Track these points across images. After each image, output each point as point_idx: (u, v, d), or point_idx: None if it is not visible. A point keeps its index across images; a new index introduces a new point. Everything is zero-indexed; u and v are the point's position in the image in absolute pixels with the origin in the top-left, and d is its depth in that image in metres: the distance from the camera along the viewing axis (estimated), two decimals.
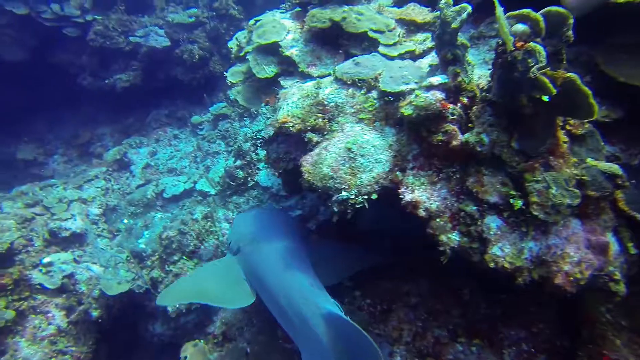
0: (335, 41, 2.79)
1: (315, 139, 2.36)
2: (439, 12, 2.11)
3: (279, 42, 2.89)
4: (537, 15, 1.70)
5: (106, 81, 7.61)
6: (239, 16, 7.33)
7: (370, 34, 2.63)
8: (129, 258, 4.85)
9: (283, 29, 2.99)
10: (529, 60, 1.65)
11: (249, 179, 5.13)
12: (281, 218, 3.46)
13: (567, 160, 1.87)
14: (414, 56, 2.68)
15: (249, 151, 5.23)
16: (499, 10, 1.72)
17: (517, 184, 1.92)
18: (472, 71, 2.23)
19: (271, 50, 2.95)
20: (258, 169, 5.21)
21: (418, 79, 2.28)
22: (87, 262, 5.09)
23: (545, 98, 1.70)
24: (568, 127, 1.98)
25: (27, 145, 8.18)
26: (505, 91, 1.82)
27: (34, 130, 8.67)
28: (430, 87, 2.05)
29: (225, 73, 3.50)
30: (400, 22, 2.84)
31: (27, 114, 8.69)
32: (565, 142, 1.90)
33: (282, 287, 2.50)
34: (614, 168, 1.79)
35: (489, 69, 2.56)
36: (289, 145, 2.78)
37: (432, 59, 2.60)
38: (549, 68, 1.66)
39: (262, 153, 5.28)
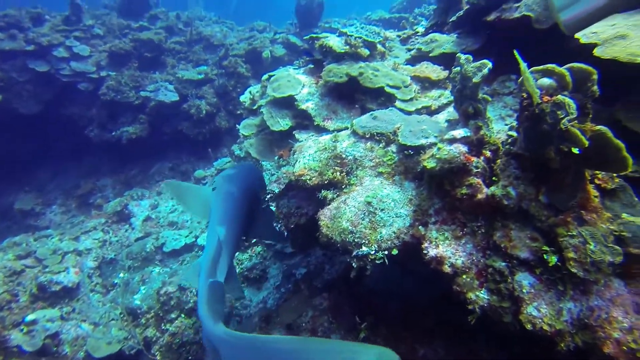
0: (351, 96, 2.82)
1: (330, 196, 2.29)
2: (458, 68, 2.15)
3: (295, 96, 2.92)
4: (563, 70, 1.71)
5: (113, 133, 7.72)
6: (246, 74, 7.61)
7: (387, 89, 2.67)
8: (122, 315, 4.56)
9: (298, 83, 3.04)
10: (559, 112, 1.63)
11: None
12: (253, 176, 3.73)
13: (601, 215, 1.79)
14: (430, 111, 2.70)
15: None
16: (523, 65, 1.73)
17: (548, 239, 1.83)
18: (491, 126, 2.23)
19: (286, 104, 2.98)
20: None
21: (438, 133, 2.27)
22: (76, 319, 4.79)
23: (576, 150, 1.66)
24: (597, 181, 1.93)
25: (27, 194, 8.09)
26: (532, 144, 1.79)
27: (37, 178, 8.65)
28: (452, 140, 2.02)
29: (237, 126, 3.51)
30: (415, 79, 2.90)
31: (32, 163, 8.72)
32: (595, 197, 1.84)
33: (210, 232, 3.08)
34: None
35: (506, 125, 2.59)
36: (301, 199, 2.70)
37: (448, 114, 2.62)
38: (578, 122, 1.64)
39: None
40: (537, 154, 1.79)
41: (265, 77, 3.65)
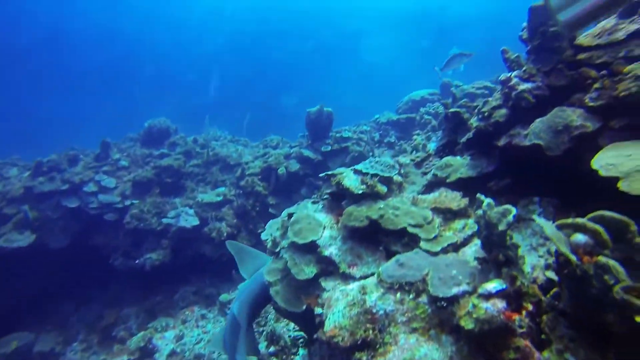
0: (373, 237, 2.78)
1: (365, 357, 2.12)
2: (480, 211, 2.11)
3: (317, 241, 2.89)
4: (597, 227, 1.64)
5: (137, 261, 7.78)
6: (264, 192, 7.83)
7: (410, 229, 2.62)
8: None
9: (319, 225, 3.04)
10: (606, 278, 1.52)
11: None
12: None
13: None
14: (456, 246, 2.61)
15: (283, 334, 4.87)
16: (549, 229, 1.68)
17: None
18: (525, 263, 2.11)
19: (308, 249, 2.94)
20: (293, 354, 4.76)
21: (469, 279, 2.15)
22: None
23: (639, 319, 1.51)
24: None
25: (48, 334, 7.93)
26: (583, 307, 1.65)
27: (60, 312, 8.56)
28: (488, 296, 1.89)
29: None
30: (436, 210, 2.87)
31: (57, 296, 8.71)
32: None
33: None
34: None
35: (540, 257, 2.46)
36: (334, 355, 2.52)
37: (475, 248, 2.52)
38: (630, 284, 1.51)
39: (294, 335, 4.93)
40: (592, 318, 1.64)
41: (284, 214, 3.69)
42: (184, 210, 7.86)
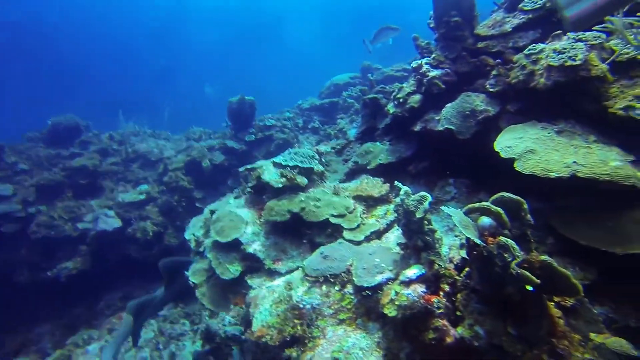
0: (297, 230, 2.75)
1: (295, 354, 2.10)
2: (399, 199, 2.16)
3: (239, 238, 2.79)
4: (499, 210, 1.75)
5: (48, 273, 7.03)
6: (189, 186, 7.45)
7: (332, 219, 2.63)
8: None
9: (241, 221, 2.94)
10: (505, 255, 1.63)
11: None
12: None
13: (572, 342, 1.75)
14: (379, 233, 2.67)
15: (218, 331, 4.72)
16: (456, 217, 1.76)
17: None
18: (441, 244, 2.22)
19: (232, 247, 2.84)
20: (231, 348, 4.65)
21: (392, 266, 2.21)
22: None
23: (529, 288, 1.65)
24: (556, 299, 1.91)
25: None
26: (489, 283, 1.77)
27: None
28: (409, 283, 1.96)
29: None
30: (358, 198, 2.91)
31: None
32: (559, 318, 1.81)
33: None
34: (624, 346, 1.68)
35: (456, 237, 2.60)
36: (265, 351, 2.47)
37: (397, 234, 2.60)
38: (523, 257, 1.65)
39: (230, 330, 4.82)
40: (496, 292, 1.76)
41: (206, 212, 3.54)
42: (103, 212, 7.24)
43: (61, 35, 35.44)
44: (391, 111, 3.14)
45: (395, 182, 2.28)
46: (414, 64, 2.95)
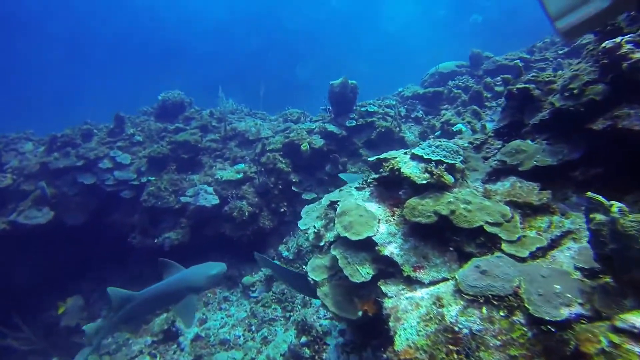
0: (440, 234, 2.40)
1: None
2: (601, 217, 1.70)
3: (373, 237, 2.52)
4: None
5: (155, 240, 7.56)
6: (286, 169, 7.44)
7: (487, 227, 2.23)
8: None
9: (372, 217, 2.66)
10: None
11: (316, 357, 4.41)
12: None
13: None
14: (544, 249, 2.22)
15: (314, 323, 4.62)
16: None
17: None
18: None
19: (363, 246, 2.58)
20: (325, 344, 4.52)
21: (582, 298, 1.77)
22: None
23: None
24: None
25: (73, 309, 7.87)
26: None
27: (81, 290, 8.49)
28: (631, 333, 1.51)
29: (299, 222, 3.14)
30: (512, 204, 2.47)
31: (76, 274, 8.63)
32: None
33: None
34: None
35: None
36: None
37: (571, 253, 2.14)
38: None
39: (325, 323, 4.69)
40: None
41: (325, 201, 3.33)
42: (203, 188, 7.55)
43: (170, 20, 38.78)
44: (557, 104, 2.61)
45: (589, 193, 1.81)
46: (605, 45, 2.38)
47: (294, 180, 7.35)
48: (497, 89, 8.54)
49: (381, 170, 3.05)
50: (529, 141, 2.89)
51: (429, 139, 3.00)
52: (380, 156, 2.92)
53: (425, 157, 2.65)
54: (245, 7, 39.55)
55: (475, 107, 7.64)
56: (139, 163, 8.38)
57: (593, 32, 2.49)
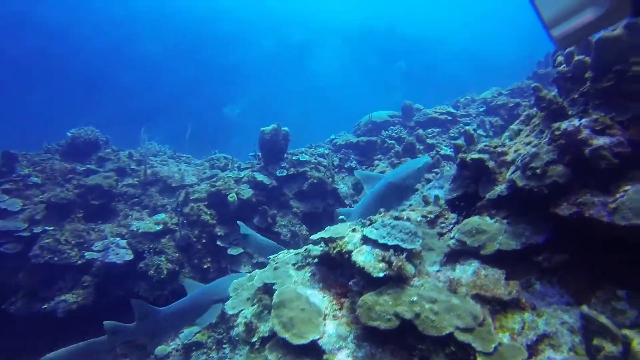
0: (401, 339, 1.97)
1: None
2: (614, 350, 1.39)
3: (318, 342, 2.01)
4: None
5: (44, 306, 6.21)
6: (211, 221, 6.71)
7: (459, 335, 1.84)
8: None
9: (317, 313, 2.18)
10: None
11: None
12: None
13: None
14: None
15: None
16: None
17: None
18: None
19: (306, 351, 2.06)
20: None
21: None
22: None
23: None
24: None
25: None
26: None
27: None
28: None
29: None
30: (478, 298, 2.14)
31: None
32: None
33: None
34: None
35: None
36: None
37: None
38: None
39: None
40: None
41: (258, 281, 2.78)
42: (115, 242, 6.50)
43: (88, 46, 36.02)
44: (520, 183, 2.41)
45: (584, 309, 1.52)
46: (564, 126, 2.24)
47: (219, 233, 6.62)
48: (428, 141, 8.78)
49: (322, 246, 2.61)
50: (488, 218, 2.66)
51: (380, 215, 2.63)
52: (325, 235, 2.48)
53: (380, 241, 2.25)
54: (175, 39, 38.60)
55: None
56: (33, 210, 7.05)
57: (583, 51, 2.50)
